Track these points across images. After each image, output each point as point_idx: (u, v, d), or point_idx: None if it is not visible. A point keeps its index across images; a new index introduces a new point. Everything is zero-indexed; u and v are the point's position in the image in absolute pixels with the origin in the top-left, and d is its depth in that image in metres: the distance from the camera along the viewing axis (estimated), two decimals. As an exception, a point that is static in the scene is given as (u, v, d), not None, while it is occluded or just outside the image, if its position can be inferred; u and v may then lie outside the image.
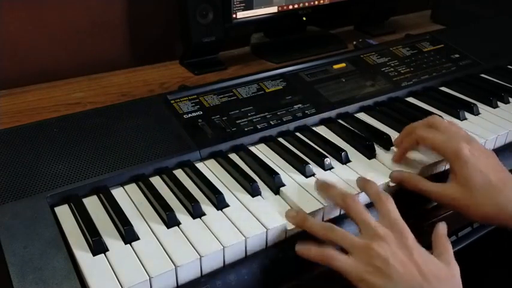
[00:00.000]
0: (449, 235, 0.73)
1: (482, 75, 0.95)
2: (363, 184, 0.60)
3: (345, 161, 0.67)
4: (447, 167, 0.69)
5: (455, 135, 0.62)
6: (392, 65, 0.92)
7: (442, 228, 0.57)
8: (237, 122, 0.72)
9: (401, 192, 0.64)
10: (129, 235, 0.53)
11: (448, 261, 0.52)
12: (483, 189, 0.58)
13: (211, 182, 0.61)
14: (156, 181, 0.62)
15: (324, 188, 0.59)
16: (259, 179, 0.63)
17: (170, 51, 1.08)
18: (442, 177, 0.67)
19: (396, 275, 0.48)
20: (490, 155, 0.62)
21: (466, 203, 0.58)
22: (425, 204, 0.66)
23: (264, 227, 0.55)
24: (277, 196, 0.61)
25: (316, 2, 1.06)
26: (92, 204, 0.58)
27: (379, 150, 0.70)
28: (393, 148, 0.70)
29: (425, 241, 0.69)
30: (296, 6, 1.03)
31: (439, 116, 0.76)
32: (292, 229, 0.56)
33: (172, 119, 0.71)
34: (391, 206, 0.55)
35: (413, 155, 0.68)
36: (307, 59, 0.94)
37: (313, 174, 0.64)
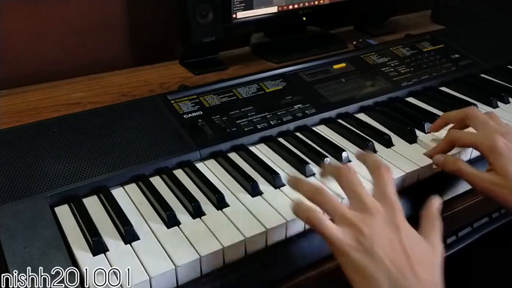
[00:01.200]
0: (450, 235, 0.73)
1: (482, 75, 0.95)
2: (363, 156, 0.59)
3: (345, 161, 0.67)
4: (473, 155, 0.71)
5: (490, 129, 0.63)
6: (392, 65, 0.92)
7: (434, 204, 0.55)
8: (237, 122, 0.72)
9: (400, 193, 0.64)
10: (129, 235, 0.53)
11: (432, 241, 0.51)
12: None
13: (211, 182, 0.61)
14: (156, 181, 0.62)
15: (326, 169, 0.58)
16: (259, 179, 0.63)
17: (170, 51, 1.08)
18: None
19: (379, 255, 0.47)
20: None
21: (503, 190, 0.58)
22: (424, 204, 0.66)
23: (264, 226, 0.55)
24: (277, 196, 0.61)
25: (316, 2, 1.06)
26: (92, 204, 0.58)
27: (379, 150, 0.70)
28: (393, 148, 0.70)
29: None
30: (296, 6, 1.03)
31: (439, 116, 0.76)
32: (292, 229, 0.56)
33: (172, 119, 0.71)
34: (388, 179, 0.53)
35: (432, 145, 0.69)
36: (307, 59, 0.94)
37: (313, 174, 0.64)
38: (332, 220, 0.50)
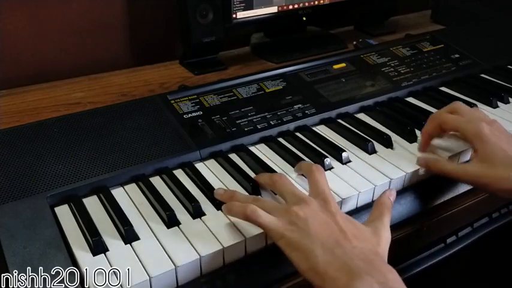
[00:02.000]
0: (450, 235, 0.73)
1: (482, 75, 0.95)
2: (298, 166, 0.63)
3: (345, 161, 0.67)
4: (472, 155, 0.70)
5: (476, 117, 0.65)
6: (392, 65, 0.92)
7: (385, 195, 0.57)
8: (237, 122, 0.72)
9: (400, 193, 0.64)
10: (129, 235, 0.53)
11: (377, 227, 0.52)
12: (505, 163, 0.59)
13: (211, 182, 0.61)
14: (156, 181, 0.62)
15: (257, 178, 0.61)
16: (259, 179, 0.63)
17: (170, 51, 1.08)
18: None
19: (314, 231, 0.49)
20: (510, 135, 0.64)
21: (490, 178, 0.59)
22: (424, 204, 0.66)
23: (264, 227, 0.55)
24: (277, 196, 0.61)
25: (316, 2, 1.06)
26: (92, 204, 0.58)
27: (379, 150, 0.70)
28: (393, 148, 0.70)
29: (425, 241, 0.69)
30: (296, 6, 1.03)
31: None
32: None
33: (172, 119, 0.71)
34: (320, 176, 0.56)
35: (438, 145, 0.69)
36: (307, 59, 0.94)
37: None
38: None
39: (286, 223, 0.50)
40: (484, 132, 0.61)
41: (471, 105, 0.81)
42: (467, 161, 0.70)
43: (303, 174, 0.62)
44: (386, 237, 0.52)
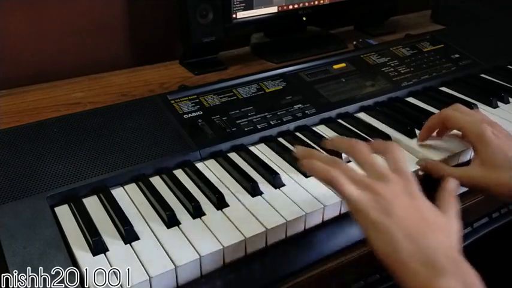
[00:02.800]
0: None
1: (482, 75, 0.95)
2: (370, 144, 0.57)
3: (345, 160, 0.67)
4: (472, 156, 0.70)
5: (479, 119, 0.64)
6: (392, 65, 0.92)
7: (450, 184, 0.55)
8: (237, 122, 0.72)
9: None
10: (129, 235, 0.53)
11: (451, 216, 0.51)
12: (507, 167, 0.58)
13: (211, 182, 0.61)
14: (156, 181, 0.62)
15: (329, 142, 0.59)
16: (259, 179, 0.63)
17: (170, 51, 1.08)
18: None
19: (397, 214, 0.47)
20: None
21: (492, 181, 0.59)
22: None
23: (264, 226, 0.55)
24: (277, 196, 0.61)
25: (316, 2, 1.06)
26: (92, 204, 0.58)
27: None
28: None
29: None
30: (296, 6, 1.03)
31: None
32: (292, 229, 0.56)
33: (172, 119, 0.71)
34: (400, 155, 0.53)
35: (438, 145, 0.69)
36: (307, 59, 0.94)
37: (313, 174, 0.64)
38: None
39: (369, 199, 0.48)
40: (487, 134, 0.61)
41: (471, 105, 0.81)
42: (466, 162, 0.70)
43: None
44: (459, 227, 0.50)
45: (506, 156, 0.59)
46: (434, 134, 0.71)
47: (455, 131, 0.70)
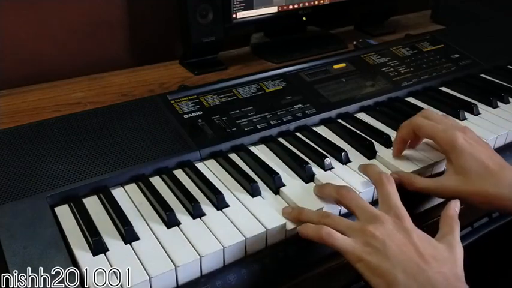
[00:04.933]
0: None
1: (482, 75, 0.95)
2: (364, 168, 0.60)
3: (345, 161, 0.67)
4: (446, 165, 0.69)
5: (450, 126, 0.63)
6: (392, 65, 0.92)
7: (453, 207, 0.55)
8: (237, 122, 0.72)
9: (400, 192, 0.64)
10: (129, 235, 0.53)
11: (451, 243, 0.51)
12: (481, 175, 0.58)
13: (211, 182, 0.61)
14: (156, 181, 0.62)
15: (319, 188, 0.60)
16: (259, 179, 0.63)
17: (170, 51, 1.08)
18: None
19: (393, 254, 0.48)
20: (484, 143, 0.63)
21: (467, 190, 0.58)
22: (424, 203, 0.66)
23: (264, 227, 0.55)
24: (277, 196, 0.61)
25: (316, 2, 1.06)
26: (92, 204, 0.58)
27: (379, 150, 0.70)
28: (393, 148, 0.70)
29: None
30: (296, 6, 1.03)
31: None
32: (292, 229, 0.56)
33: (172, 119, 0.71)
34: (391, 189, 0.54)
35: (412, 155, 0.68)
36: (307, 59, 0.94)
37: (313, 175, 0.64)
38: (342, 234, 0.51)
39: (362, 244, 0.49)
40: (459, 142, 0.59)
41: (471, 105, 0.81)
42: (442, 172, 0.67)
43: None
44: (460, 253, 0.50)
45: (481, 164, 0.58)
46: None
47: (428, 140, 0.68)
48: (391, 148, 0.70)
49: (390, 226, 0.50)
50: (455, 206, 0.55)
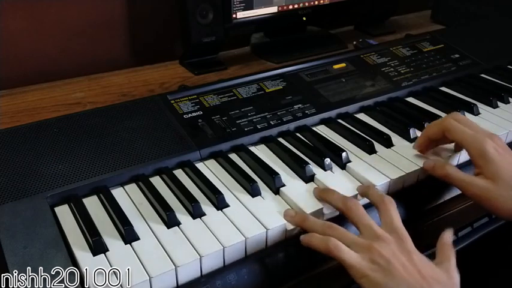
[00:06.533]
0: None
1: (482, 75, 0.95)
2: (364, 190, 0.60)
3: (345, 161, 0.67)
4: (460, 161, 0.70)
5: (480, 132, 0.63)
6: (392, 65, 0.92)
7: (446, 236, 0.57)
8: (237, 122, 0.72)
9: (400, 193, 0.64)
10: (129, 235, 0.53)
11: (448, 269, 0.52)
12: (510, 184, 0.58)
13: (211, 182, 0.61)
14: (156, 181, 0.62)
15: (323, 193, 0.60)
16: (259, 179, 0.63)
17: (170, 51, 1.08)
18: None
19: (398, 274, 0.49)
20: None
21: (494, 195, 0.58)
22: (425, 204, 0.66)
23: (264, 227, 0.55)
24: (277, 196, 0.61)
25: (316, 2, 1.06)
26: (92, 204, 0.58)
27: (379, 150, 0.70)
28: (393, 148, 0.70)
29: (424, 241, 0.69)
30: (296, 6, 1.03)
31: (439, 116, 0.77)
32: (292, 229, 0.56)
33: (172, 119, 0.71)
34: (393, 212, 0.55)
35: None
36: (307, 59, 0.94)
37: (313, 175, 0.64)
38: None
39: (369, 262, 0.50)
40: (490, 150, 0.60)
41: (471, 105, 0.81)
42: None
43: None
44: (458, 278, 0.52)
45: (510, 173, 0.59)
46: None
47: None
48: (391, 148, 0.70)
49: (393, 246, 0.51)
50: (449, 235, 0.57)
